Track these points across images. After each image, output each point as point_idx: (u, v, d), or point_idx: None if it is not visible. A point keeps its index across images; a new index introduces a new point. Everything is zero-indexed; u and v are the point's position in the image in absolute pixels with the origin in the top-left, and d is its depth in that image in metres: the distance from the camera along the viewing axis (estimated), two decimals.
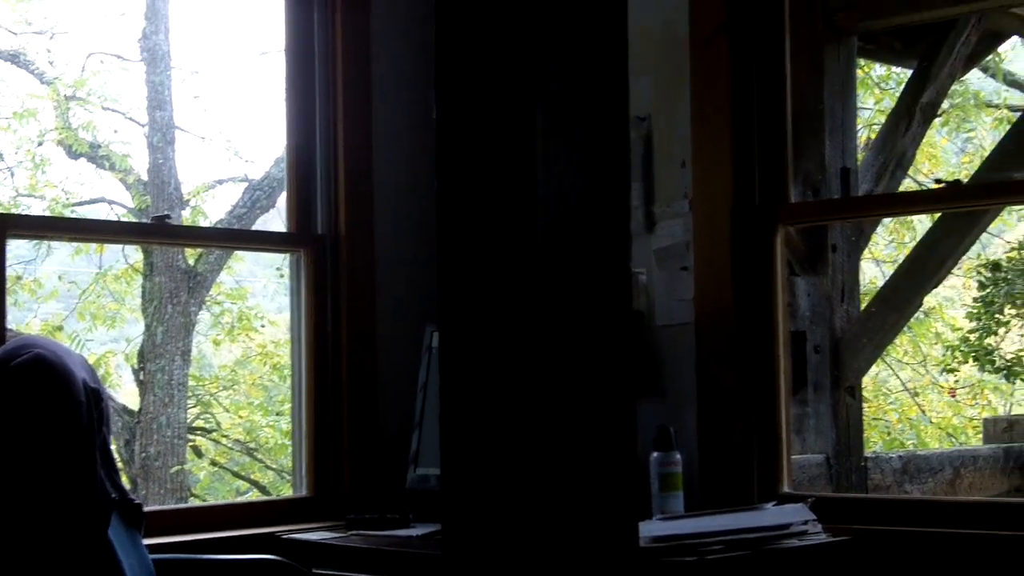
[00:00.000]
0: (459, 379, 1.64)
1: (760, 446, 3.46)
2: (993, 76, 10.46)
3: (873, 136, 6.92)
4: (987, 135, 11.00)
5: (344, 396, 3.77)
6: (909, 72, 5.67)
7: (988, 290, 7.20)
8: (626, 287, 1.75)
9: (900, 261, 6.05)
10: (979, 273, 7.37)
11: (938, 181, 3.35)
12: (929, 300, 11.40)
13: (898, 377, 11.34)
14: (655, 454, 3.32)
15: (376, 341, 3.84)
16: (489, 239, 1.62)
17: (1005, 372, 7.47)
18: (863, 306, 5.35)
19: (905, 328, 10.56)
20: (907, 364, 11.37)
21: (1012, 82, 11.31)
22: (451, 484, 1.64)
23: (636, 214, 3.64)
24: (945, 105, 10.32)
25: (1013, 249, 7.25)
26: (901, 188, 5.80)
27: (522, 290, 1.59)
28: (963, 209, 4.61)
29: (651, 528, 2.91)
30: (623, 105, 1.73)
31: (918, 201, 4.32)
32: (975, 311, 7.38)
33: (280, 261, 9.41)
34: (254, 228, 9.72)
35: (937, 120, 10.54)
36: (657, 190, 3.65)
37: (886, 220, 10.83)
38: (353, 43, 3.85)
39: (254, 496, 10.42)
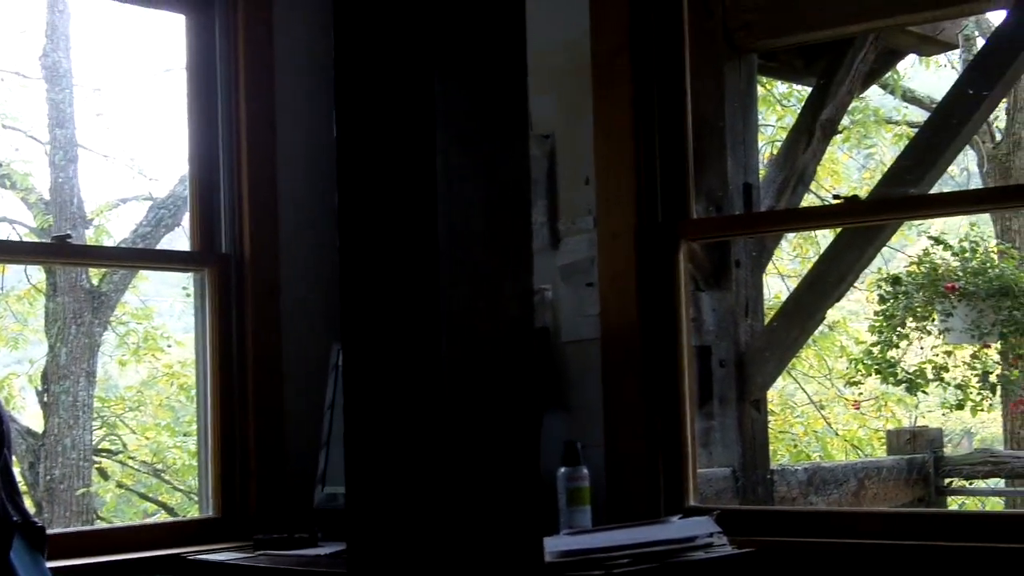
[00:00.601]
0: (362, 397, 1.65)
1: (666, 460, 3.49)
2: (892, 93, 10.65)
3: (776, 152, 7.01)
4: (887, 151, 11.18)
5: (250, 415, 3.75)
6: (810, 89, 5.75)
7: (888, 304, 7.31)
8: (529, 303, 1.76)
9: (803, 276, 6.12)
10: (880, 287, 7.48)
11: (836, 197, 3.41)
12: (834, 314, 11.55)
13: (804, 390, 11.48)
14: (562, 469, 3.34)
15: (282, 360, 3.82)
16: (390, 256, 1.63)
17: (907, 384, 7.59)
18: (767, 320, 5.41)
19: (810, 342, 10.70)
20: (812, 378, 11.50)
21: (911, 98, 11.52)
22: (356, 502, 1.64)
23: (541, 231, 3.66)
24: (846, 121, 10.49)
25: (912, 263, 7.37)
26: (803, 204, 5.88)
27: (424, 307, 1.60)
28: (861, 224, 4.68)
29: (558, 543, 2.92)
30: (523, 122, 1.75)
31: (817, 217, 4.38)
32: (877, 325, 7.48)
33: (186, 280, 9.34)
34: (159, 247, 9.63)
35: (839, 136, 10.70)
36: (561, 207, 3.67)
37: (789, 235, 10.97)
38: (256, 60, 3.84)
39: (162, 518, 10.31)
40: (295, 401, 3.82)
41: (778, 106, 10.64)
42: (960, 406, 7.92)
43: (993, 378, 7.59)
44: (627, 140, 3.52)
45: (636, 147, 3.52)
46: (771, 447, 10.67)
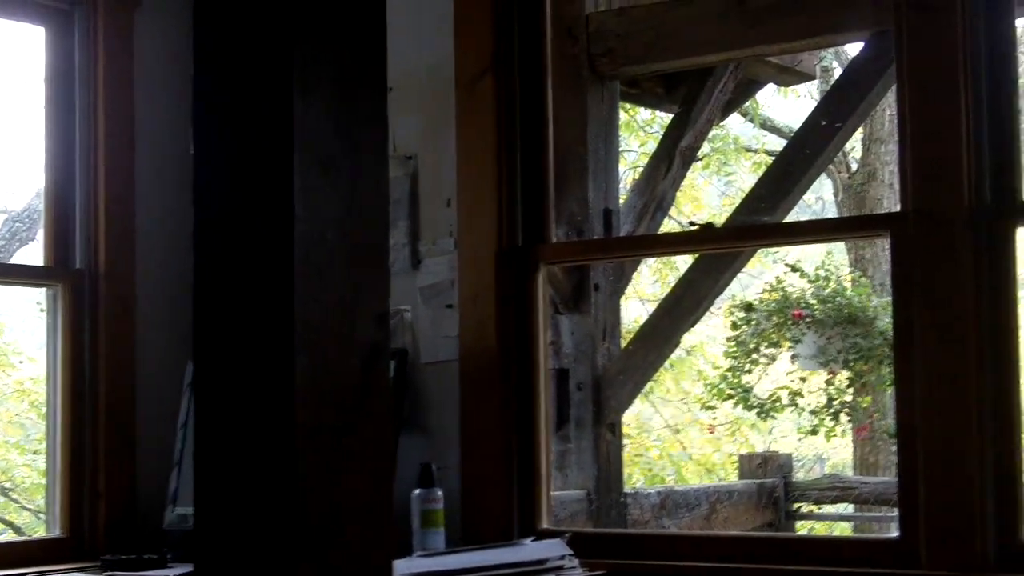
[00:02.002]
0: (213, 417, 1.63)
1: (521, 482, 3.51)
2: (752, 121, 10.85)
3: (637, 178, 7.09)
4: (746, 178, 11.38)
5: (100, 433, 3.68)
6: (671, 116, 5.84)
7: (741, 330, 7.43)
8: (385, 326, 1.76)
9: (661, 300, 6.21)
10: (733, 313, 7.60)
11: (692, 223, 3.47)
12: (692, 338, 11.71)
13: (660, 414, 11.61)
14: (417, 491, 3.34)
15: (136, 377, 3.76)
16: (245, 276, 1.62)
17: (758, 410, 7.71)
18: (625, 344, 5.47)
19: (668, 366, 10.83)
20: (670, 401, 11.64)
21: (771, 127, 11.76)
22: (203, 524, 1.62)
23: (402, 251, 3.67)
24: (707, 149, 10.66)
25: (765, 291, 7.51)
26: (662, 229, 5.96)
27: (278, 328, 1.59)
28: (716, 251, 4.76)
29: (410, 565, 2.92)
30: (383, 143, 1.75)
31: (674, 243, 4.46)
32: (731, 351, 7.60)
33: (40, 295, 9.15)
34: (13, 261, 9.42)
35: (699, 163, 10.87)
36: (423, 228, 3.68)
37: (649, 260, 11.10)
38: (115, 73, 3.79)
39: (8, 537, 10.06)
40: (149, 419, 3.76)
41: (641, 132, 10.78)
42: (814, 431, 8.07)
43: (837, 404, 7.75)
44: (489, 163, 3.54)
45: (498, 170, 3.54)
46: (627, 470, 10.80)
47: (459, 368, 3.57)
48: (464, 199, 3.59)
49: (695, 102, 5.35)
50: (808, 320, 7.07)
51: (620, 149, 10.65)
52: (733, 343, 7.52)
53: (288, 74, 1.63)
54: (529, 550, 3.07)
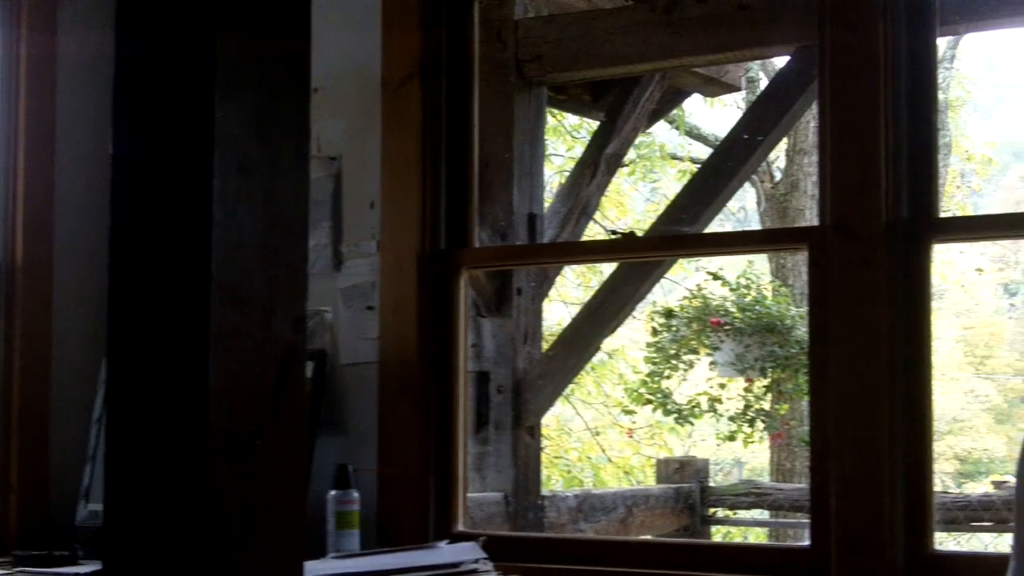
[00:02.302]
0: (125, 415, 1.63)
1: (437, 484, 3.51)
2: (678, 129, 10.93)
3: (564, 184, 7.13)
4: (671, 185, 11.46)
5: (13, 429, 3.65)
6: (598, 123, 5.87)
7: (661, 335, 7.49)
8: (302, 328, 1.76)
9: (583, 305, 6.24)
10: (653, 319, 7.66)
11: (612, 232, 3.50)
12: (614, 342, 11.76)
13: (581, 417, 11.65)
14: (332, 492, 3.33)
15: (51, 373, 3.73)
16: (161, 276, 1.61)
17: (676, 415, 7.77)
18: (546, 348, 5.49)
19: (590, 369, 10.87)
20: (590, 404, 11.68)
21: (697, 136, 11.85)
22: (113, 521, 1.62)
23: (323, 252, 3.66)
24: (633, 156, 10.72)
25: (685, 297, 7.57)
26: (586, 235, 5.99)
27: (193, 328, 1.59)
28: (636, 259, 4.80)
29: (324, 566, 2.92)
30: (304, 146, 1.75)
31: (595, 251, 4.48)
32: (650, 356, 7.65)
33: None
34: None
35: (625, 170, 10.93)
36: (346, 230, 3.67)
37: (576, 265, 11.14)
38: (37, 68, 3.75)
39: None
40: (63, 414, 3.73)
41: (568, 137, 10.81)
42: (732, 437, 8.14)
43: (753, 411, 7.83)
44: (414, 166, 3.55)
45: (422, 174, 3.54)
46: (546, 472, 10.83)
47: (378, 370, 3.57)
48: (388, 202, 3.59)
49: (621, 110, 5.37)
50: (727, 328, 7.13)
51: (548, 154, 10.70)
52: (653, 348, 7.57)
53: (210, 75, 1.62)
54: (443, 553, 3.08)
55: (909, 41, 3.04)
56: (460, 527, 3.51)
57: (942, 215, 3.20)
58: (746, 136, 5.07)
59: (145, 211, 1.65)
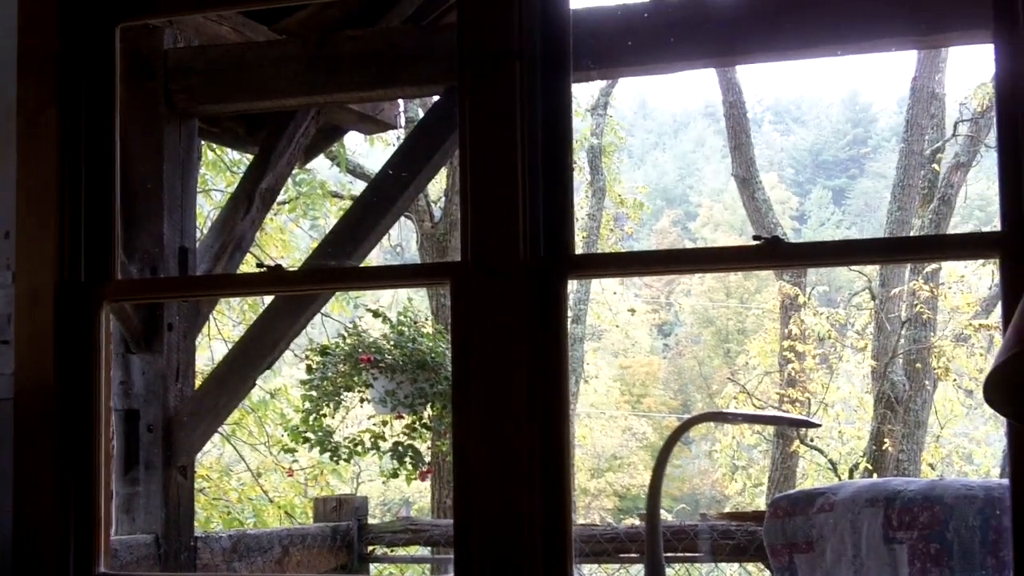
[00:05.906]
0: None
1: (78, 526, 3.40)
2: (339, 166, 10.97)
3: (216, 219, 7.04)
4: (332, 222, 11.47)
5: None
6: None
7: (315, 373, 7.48)
8: None
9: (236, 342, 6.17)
10: (307, 357, 7.65)
11: (260, 265, 3.47)
12: (276, 382, 11.68)
13: (242, 458, 11.51)
14: None
15: None
16: None
17: (331, 454, 7.77)
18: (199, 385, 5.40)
19: (251, 409, 10.76)
20: (253, 446, 11.56)
21: (360, 173, 11.91)
22: None
23: None
24: (294, 192, 10.70)
25: (341, 335, 7.59)
26: (241, 270, 5.93)
27: None
28: (287, 292, 4.78)
29: None
30: None
31: (242, 284, 4.46)
32: (307, 394, 7.64)
33: None
34: None
35: (286, 206, 10.90)
36: None
37: (234, 301, 11.02)
38: None
39: None
40: None
41: (228, 172, 10.70)
42: (395, 475, 8.19)
43: (402, 448, 7.91)
44: (51, 196, 3.44)
45: (59, 204, 3.44)
46: (207, 515, 10.64)
47: (13, 407, 3.44)
48: (24, 231, 3.47)
49: (275, 145, 5.34)
50: (381, 365, 7.18)
51: (207, 188, 10.56)
52: (308, 386, 7.56)
53: None
54: None
55: (544, 83, 3.13)
56: (102, 568, 3.41)
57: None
58: (394, 173, 5.13)
59: None
